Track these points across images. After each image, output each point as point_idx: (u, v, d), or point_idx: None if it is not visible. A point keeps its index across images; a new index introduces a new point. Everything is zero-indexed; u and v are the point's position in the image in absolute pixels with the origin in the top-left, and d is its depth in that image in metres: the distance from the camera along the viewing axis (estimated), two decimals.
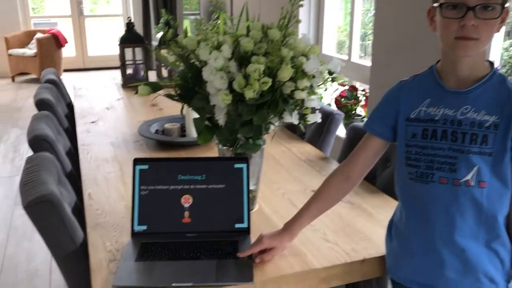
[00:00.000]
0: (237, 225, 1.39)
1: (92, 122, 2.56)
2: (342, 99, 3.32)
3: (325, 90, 1.46)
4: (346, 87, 3.36)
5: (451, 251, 1.12)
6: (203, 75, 1.26)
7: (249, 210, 1.39)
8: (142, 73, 3.38)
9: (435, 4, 1.06)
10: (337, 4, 3.82)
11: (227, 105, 1.29)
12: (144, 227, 1.39)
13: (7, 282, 2.51)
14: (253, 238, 1.37)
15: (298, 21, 1.37)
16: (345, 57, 3.53)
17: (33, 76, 7.36)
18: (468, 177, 1.07)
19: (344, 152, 2.00)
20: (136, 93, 1.44)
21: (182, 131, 2.28)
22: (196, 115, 2.22)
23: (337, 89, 3.42)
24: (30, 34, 7.42)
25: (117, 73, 3.84)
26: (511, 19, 2.25)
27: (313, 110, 1.45)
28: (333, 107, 3.27)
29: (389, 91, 1.22)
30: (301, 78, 1.28)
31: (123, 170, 1.90)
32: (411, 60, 2.61)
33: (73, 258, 1.37)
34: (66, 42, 7.36)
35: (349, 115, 3.26)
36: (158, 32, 3.83)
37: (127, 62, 3.36)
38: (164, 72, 3.42)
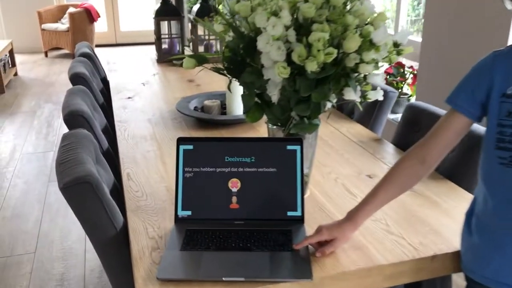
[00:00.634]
0: (290, 213, 1.26)
1: (128, 97, 2.46)
2: (388, 76, 3.13)
3: (390, 64, 1.29)
4: (392, 64, 3.16)
5: None
6: (258, 45, 1.12)
7: (303, 197, 1.26)
8: (178, 47, 3.25)
9: None
10: None
11: (282, 80, 1.14)
12: (188, 213, 1.27)
13: (42, 259, 2.47)
14: (307, 227, 1.25)
15: None
16: (391, 32, 3.31)
17: (66, 51, 7.34)
18: None
19: (400, 133, 1.84)
20: (181, 65, 1.31)
21: (223, 108, 2.16)
22: (239, 91, 2.10)
23: (382, 65, 3.22)
24: (62, 9, 7.39)
25: (150, 49, 3.73)
26: None
27: (373, 87, 1.30)
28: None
29: (480, 62, 1.05)
30: (368, 49, 1.12)
31: (162, 149, 1.79)
32: (466, 35, 2.40)
33: (113, 244, 1.28)
34: (99, 16, 7.30)
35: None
36: (191, 6, 3.68)
37: (162, 36, 3.23)
38: (200, 48, 3.29)
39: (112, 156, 1.89)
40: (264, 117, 1.36)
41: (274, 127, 1.37)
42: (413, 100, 3.17)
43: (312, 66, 1.05)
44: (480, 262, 1.07)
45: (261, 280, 1.06)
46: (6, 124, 4.51)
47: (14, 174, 3.46)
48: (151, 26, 3.29)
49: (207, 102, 2.13)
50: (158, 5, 3.22)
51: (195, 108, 2.17)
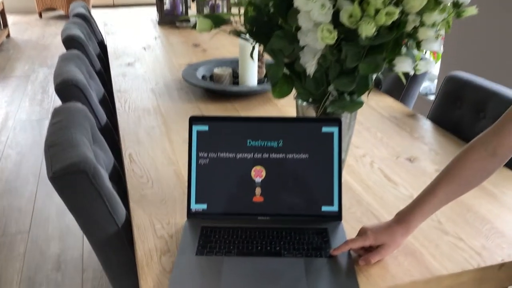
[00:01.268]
0: (324, 208, 1.06)
1: (128, 64, 2.22)
2: None
3: (448, 28, 1.06)
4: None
5: None
6: (295, 2, 0.88)
7: (340, 189, 1.05)
8: (181, 8, 2.98)
9: None
10: None
11: (324, 47, 0.91)
12: (203, 206, 1.07)
13: (37, 238, 2.28)
14: (344, 225, 1.05)
15: None
16: None
17: (61, 12, 7.01)
18: None
19: (439, 108, 1.62)
20: (194, 27, 1.08)
21: (234, 77, 1.92)
22: (254, 60, 1.86)
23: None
24: None
25: (150, 10, 3.46)
26: None
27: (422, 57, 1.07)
28: None
29: None
30: (433, 9, 0.89)
31: (168, 125, 1.57)
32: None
33: (114, 243, 1.08)
34: None
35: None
36: None
37: None
38: (206, 9, 3.02)
39: (111, 132, 1.67)
40: (292, 91, 1.13)
41: (305, 103, 1.15)
42: (436, 67, 2.92)
43: (368, 30, 0.82)
44: None
45: None
46: None
47: (6, 144, 3.24)
48: None
49: (216, 70, 1.89)
50: None
51: (203, 77, 1.93)
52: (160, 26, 2.98)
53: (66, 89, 1.53)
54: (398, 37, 0.90)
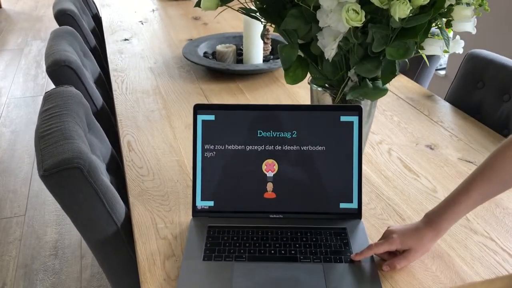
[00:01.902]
0: (343, 205, 0.97)
1: (125, 39, 2.09)
2: None
3: (480, 6, 0.95)
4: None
5: None
6: None
7: (360, 184, 0.96)
8: None
9: None
10: None
11: (349, 29, 0.81)
12: (210, 203, 0.97)
13: (34, 222, 2.20)
14: (365, 222, 0.96)
15: None
16: None
17: None
18: None
19: (458, 89, 1.52)
20: (197, 5, 0.96)
21: (238, 55, 1.81)
22: (258, 33, 1.74)
23: None
24: None
25: None
26: None
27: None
28: None
29: None
30: None
31: (169, 108, 1.46)
32: None
33: (113, 243, 0.99)
34: None
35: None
36: None
37: None
38: None
39: (108, 115, 1.57)
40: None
41: (320, 89, 1.04)
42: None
43: (403, 11, 0.71)
44: None
45: None
46: None
47: (0, 122, 3.13)
48: None
49: (219, 47, 1.77)
50: None
51: (205, 54, 1.82)
52: None
53: (59, 70, 1.41)
54: (432, 18, 0.79)
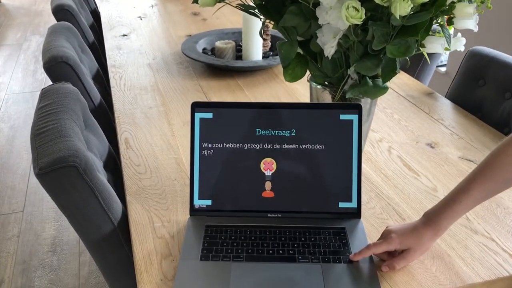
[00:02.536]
0: (342, 205, 0.96)
1: (123, 35, 2.08)
2: None
3: (482, 2, 0.93)
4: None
5: None
6: None
7: (360, 184, 0.95)
8: None
9: None
10: None
11: (349, 27, 0.79)
12: (207, 202, 0.96)
13: (32, 218, 2.20)
14: (364, 222, 0.95)
15: None
16: None
17: None
18: None
19: (459, 86, 1.50)
20: (195, 2, 0.95)
21: (237, 51, 1.79)
22: (258, 29, 1.72)
23: None
24: None
25: None
26: None
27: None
28: None
29: None
30: None
31: (167, 105, 1.45)
32: None
33: (110, 242, 0.98)
34: None
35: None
36: None
37: None
38: None
39: (106, 112, 1.55)
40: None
41: (320, 87, 1.03)
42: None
43: (404, 9, 0.70)
44: None
45: None
46: None
47: None
48: None
49: (218, 44, 1.76)
50: None
51: (204, 50, 1.80)
52: None
53: (56, 66, 1.40)
54: (433, 15, 0.77)
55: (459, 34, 0.96)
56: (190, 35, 2.05)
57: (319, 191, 0.95)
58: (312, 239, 0.90)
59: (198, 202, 0.97)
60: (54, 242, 2.06)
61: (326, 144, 0.96)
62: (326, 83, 1.01)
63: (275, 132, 0.96)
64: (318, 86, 1.04)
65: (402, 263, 0.84)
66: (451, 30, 0.96)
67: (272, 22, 0.97)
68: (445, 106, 1.45)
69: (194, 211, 0.97)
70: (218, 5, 1.01)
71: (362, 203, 0.97)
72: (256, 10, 0.97)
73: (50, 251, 2.01)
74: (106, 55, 1.85)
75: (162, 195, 1.05)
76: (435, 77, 2.66)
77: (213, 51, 1.81)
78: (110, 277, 1.04)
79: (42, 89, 1.19)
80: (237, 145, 0.96)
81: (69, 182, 0.90)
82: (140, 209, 1.01)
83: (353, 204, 0.96)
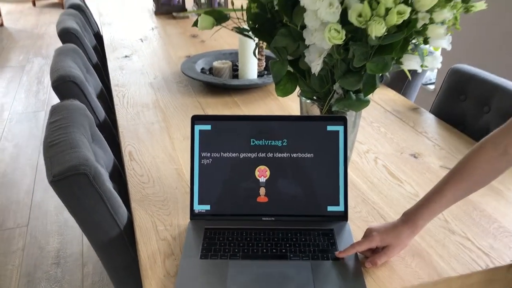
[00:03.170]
0: (330, 208, 1.04)
1: (125, 56, 2.18)
2: None
3: (454, 24, 1.03)
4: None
5: None
6: (302, 1, 0.86)
7: (346, 188, 1.04)
8: None
9: None
10: None
11: (332, 47, 0.89)
12: (207, 207, 1.05)
13: (36, 232, 2.27)
14: (351, 224, 1.04)
15: None
16: None
17: (55, 0, 6.91)
18: None
19: (442, 102, 1.60)
20: (195, 25, 1.05)
21: (234, 70, 1.89)
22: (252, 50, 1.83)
23: None
24: None
25: (146, 0, 3.41)
26: None
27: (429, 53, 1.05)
28: None
29: None
30: (443, 6, 0.87)
31: (168, 120, 1.54)
32: None
33: (117, 245, 1.06)
34: None
35: None
36: None
37: None
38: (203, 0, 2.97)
39: (110, 128, 1.64)
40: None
41: (309, 101, 1.12)
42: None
43: (378, 30, 0.79)
44: None
45: None
46: None
47: (2, 137, 3.21)
48: None
49: (216, 64, 1.86)
50: None
51: (203, 70, 1.90)
52: (156, 16, 2.94)
53: (63, 85, 1.50)
54: (407, 35, 0.87)
55: (437, 53, 1.06)
56: (189, 56, 2.16)
57: (309, 195, 1.04)
58: (303, 239, 0.99)
59: (198, 207, 1.05)
60: (58, 255, 2.13)
61: (315, 153, 1.05)
62: (314, 97, 1.10)
63: (269, 142, 1.05)
64: (308, 101, 1.13)
65: (383, 259, 0.92)
66: (439, 51, 1.06)
67: (265, 43, 1.07)
68: (429, 120, 1.54)
69: (194, 215, 1.05)
70: (216, 28, 1.11)
71: (349, 207, 1.06)
72: (250, 33, 1.07)
73: (54, 263, 2.08)
74: (109, 75, 1.94)
75: (164, 202, 1.14)
76: (424, 94, 2.77)
77: (211, 70, 1.91)
78: (116, 279, 1.12)
79: (52, 106, 1.28)
80: (234, 154, 1.05)
81: (80, 188, 0.98)
82: (144, 214, 1.09)
83: (340, 208, 1.04)
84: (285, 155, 1.05)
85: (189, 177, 1.04)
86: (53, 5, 6.91)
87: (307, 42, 0.92)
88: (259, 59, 1.88)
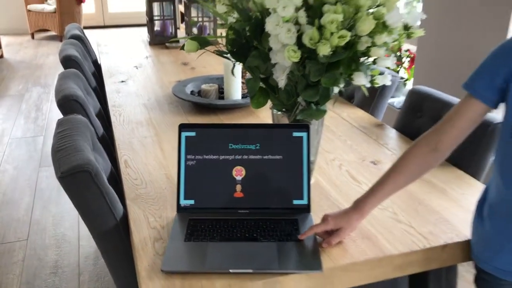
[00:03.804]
0: (296, 202, 1.23)
1: (122, 81, 2.39)
2: None
3: (399, 48, 1.25)
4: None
5: None
6: (266, 27, 1.07)
7: (309, 185, 1.23)
8: (170, 29, 3.17)
9: None
10: None
11: (291, 64, 1.10)
12: (191, 201, 1.23)
13: (35, 247, 2.42)
14: (313, 216, 1.22)
15: None
16: None
17: (53, 33, 7.18)
18: None
19: (403, 118, 1.81)
20: (183, 48, 1.25)
21: (220, 92, 2.10)
22: (238, 75, 2.04)
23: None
24: None
25: (141, 31, 3.65)
26: None
27: (380, 72, 1.26)
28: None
29: (500, 46, 1.00)
30: (381, 32, 1.08)
31: (160, 135, 1.74)
32: (465, 18, 2.36)
33: (114, 235, 1.23)
34: None
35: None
36: None
37: (154, 18, 3.15)
38: (194, 30, 3.21)
39: (107, 142, 1.83)
40: (268, 103, 1.31)
41: (279, 112, 1.33)
42: (409, 84, 3.14)
43: (324, 50, 1.00)
44: (492, 253, 1.04)
45: (270, 272, 1.02)
46: None
47: (3, 159, 3.38)
48: (138, 8, 3.21)
49: (204, 86, 2.07)
50: None
51: (192, 92, 2.11)
52: (151, 46, 3.17)
53: (67, 103, 1.69)
54: (352, 55, 1.08)
55: (386, 71, 1.27)
56: (179, 81, 2.37)
57: (278, 191, 1.23)
58: (272, 226, 1.17)
59: (184, 202, 1.23)
60: (56, 265, 2.27)
61: (283, 155, 1.24)
62: (283, 109, 1.30)
63: (244, 146, 1.24)
64: (278, 112, 1.33)
65: (336, 239, 1.10)
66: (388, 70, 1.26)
67: (241, 64, 1.27)
68: (391, 134, 1.75)
69: (180, 208, 1.23)
70: (201, 53, 1.31)
71: (313, 202, 1.25)
72: (229, 55, 1.27)
73: (52, 272, 2.22)
74: (107, 97, 2.14)
75: (154, 200, 1.32)
76: (392, 113, 2.98)
77: (200, 92, 2.12)
78: (112, 265, 1.29)
79: (59, 119, 1.47)
80: (214, 157, 1.24)
81: (83, 184, 1.17)
82: (137, 209, 1.27)
83: (304, 201, 1.23)
84: (258, 157, 1.24)
85: (177, 178, 1.23)
86: (51, 38, 7.18)
87: (273, 61, 1.13)
88: (243, 83, 2.09)
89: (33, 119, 4.15)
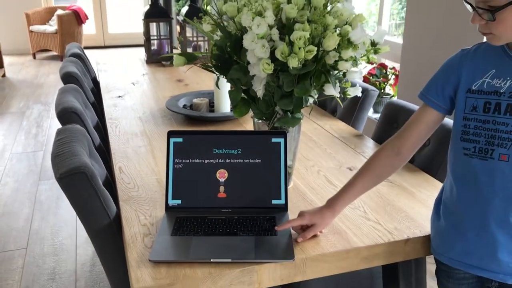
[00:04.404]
0: (274, 201, 1.35)
1: (119, 96, 2.52)
2: (371, 77, 3.23)
3: (368, 62, 1.39)
4: (375, 65, 3.27)
5: (506, 232, 1.05)
6: (244, 43, 1.20)
7: (286, 186, 1.35)
8: (167, 48, 3.33)
9: None
10: None
11: (266, 76, 1.23)
12: (178, 201, 1.35)
13: (34, 255, 2.52)
14: (290, 214, 1.33)
15: None
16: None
17: (54, 53, 7.37)
18: None
19: (380, 129, 1.94)
20: (170, 65, 1.38)
21: (211, 106, 2.23)
22: (227, 90, 2.17)
23: (365, 66, 3.33)
24: (51, 11, 7.41)
25: (139, 51, 3.80)
26: None
27: (352, 84, 1.39)
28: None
29: (449, 60, 1.14)
30: (346, 48, 1.21)
31: (153, 144, 1.86)
32: (445, 38, 2.51)
33: (107, 232, 1.34)
34: (87, 18, 7.34)
35: (378, 94, 3.17)
36: (179, 9, 3.74)
37: (151, 38, 3.30)
38: (189, 49, 3.37)
39: (104, 152, 1.95)
40: (250, 112, 1.44)
41: (260, 121, 1.45)
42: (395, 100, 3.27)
43: (293, 62, 1.13)
44: (447, 246, 1.16)
45: (247, 261, 1.14)
46: None
47: (4, 173, 3.50)
48: (138, 29, 3.37)
49: (195, 100, 2.20)
50: (147, 7, 3.29)
51: (184, 106, 2.24)
52: (147, 64, 3.32)
53: (66, 115, 1.82)
54: (322, 67, 1.21)
55: (357, 83, 1.40)
56: (173, 95, 2.50)
57: (257, 192, 1.35)
58: (251, 223, 1.28)
59: (172, 202, 1.35)
60: (54, 272, 2.37)
61: (263, 159, 1.36)
62: (263, 118, 1.43)
63: (227, 151, 1.36)
64: (259, 121, 1.46)
65: (311, 233, 1.21)
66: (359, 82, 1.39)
67: (225, 76, 1.41)
68: (369, 143, 1.87)
69: (168, 208, 1.35)
70: (190, 67, 1.45)
71: (291, 202, 1.36)
72: (213, 68, 1.41)
73: (50, 278, 2.32)
74: (105, 110, 2.28)
75: (146, 201, 1.43)
76: (373, 124, 3.10)
77: (191, 106, 2.25)
78: (106, 260, 1.40)
79: (58, 129, 1.60)
80: (200, 160, 1.36)
81: (80, 184, 1.28)
82: (129, 209, 1.39)
83: (282, 201, 1.34)
84: (239, 160, 1.36)
85: (165, 180, 1.35)
86: (52, 58, 7.36)
87: (251, 74, 1.26)
88: None
89: (34, 135, 4.27)
